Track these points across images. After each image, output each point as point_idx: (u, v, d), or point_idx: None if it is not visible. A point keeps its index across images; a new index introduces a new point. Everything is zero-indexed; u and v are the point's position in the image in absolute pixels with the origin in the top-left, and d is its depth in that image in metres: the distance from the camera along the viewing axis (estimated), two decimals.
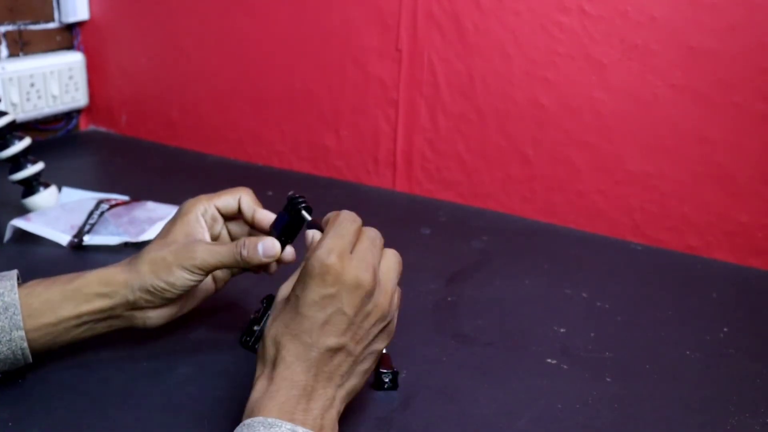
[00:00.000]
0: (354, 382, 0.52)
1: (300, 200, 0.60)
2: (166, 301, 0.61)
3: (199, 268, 0.59)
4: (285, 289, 0.54)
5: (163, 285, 0.59)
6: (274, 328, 0.51)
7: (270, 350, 0.51)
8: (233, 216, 0.65)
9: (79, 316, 0.59)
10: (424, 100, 1.07)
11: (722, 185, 0.91)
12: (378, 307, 0.51)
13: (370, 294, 0.50)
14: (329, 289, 0.49)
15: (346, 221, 0.53)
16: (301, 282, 0.50)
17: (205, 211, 0.63)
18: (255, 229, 0.65)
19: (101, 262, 0.84)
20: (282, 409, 0.47)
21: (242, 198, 0.64)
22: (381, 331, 0.52)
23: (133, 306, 0.61)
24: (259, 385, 0.50)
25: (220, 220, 0.65)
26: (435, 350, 0.69)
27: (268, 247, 0.59)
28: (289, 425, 0.45)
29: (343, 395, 0.51)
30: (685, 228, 0.95)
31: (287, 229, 0.61)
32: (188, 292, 0.62)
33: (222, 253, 0.59)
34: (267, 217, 0.63)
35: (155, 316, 0.62)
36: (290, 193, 0.61)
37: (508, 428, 0.58)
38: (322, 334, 0.49)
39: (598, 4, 0.93)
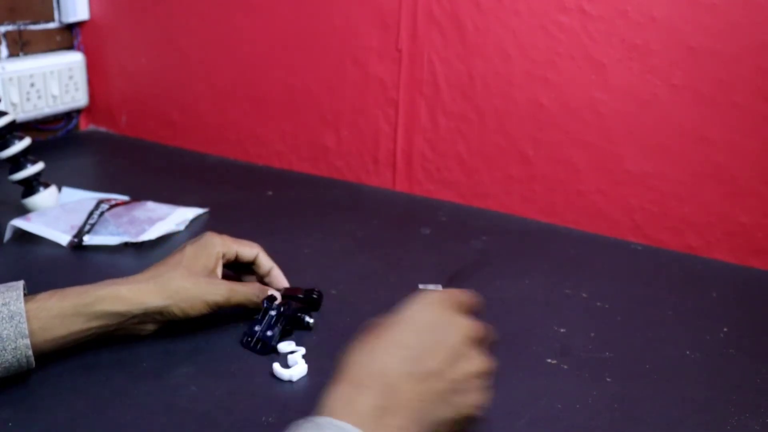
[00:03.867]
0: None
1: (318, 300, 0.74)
2: (169, 321, 0.66)
3: (219, 305, 0.66)
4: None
5: (178, 313, 0.65)
6: None
7: None
8: (238, 262, 0.72)
9: (88, 330, 0.62)
10: (424, 100, 1.07)
11: (722, 185, 0.91)
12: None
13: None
14: None
15: None
16: None
17: (227, 252, 0.70)
18: (263, 281, 0.73)
19: (101, 262, 0.84)
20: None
21: (260, 254, 0.72)
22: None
23: (140, 321, 0.64)
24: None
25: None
26: None
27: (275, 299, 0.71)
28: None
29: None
30: (685, 228, 0.95)
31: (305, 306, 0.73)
32: None
33: (241, 294, 0.68)
34: (279, 276, 0.74)
35: (152, 328, 0.67)
36: (317, 290, 0.74)
37: (508, 428, 0.58)
38: None
39: (598, 4, 0.93)
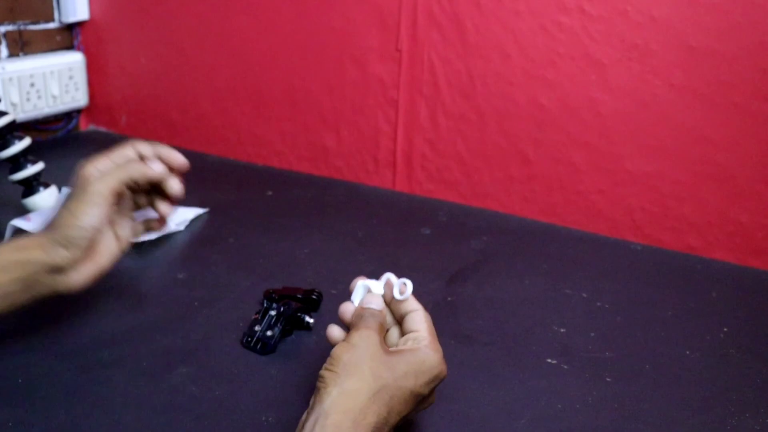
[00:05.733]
0: None
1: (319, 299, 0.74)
2: (80, 252, 0.61)
3: (101, 195, 0.60)
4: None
5: (71, 232, 0.60)
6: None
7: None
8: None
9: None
10: (424, 100, 1.07)
11: (722, 185, 0.91)
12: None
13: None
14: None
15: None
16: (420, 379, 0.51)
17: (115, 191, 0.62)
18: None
19: None
20: None
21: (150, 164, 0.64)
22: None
23: (52, 268, 0.60)
24: None
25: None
26: None
27: (157, 167, 0.64)
28: None
29: None
30: (685, 228, 0.95)
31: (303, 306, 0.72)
32: (95, 243, 0.63)
33: (117, 170, 0.62)
34: (174, 156, 0.66)
35: (77, 277, 0.62)
36: (317, 291, 0.73)
37: (508, 428, 0.58)
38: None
39: (598, 4, 0.93)
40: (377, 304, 0.55)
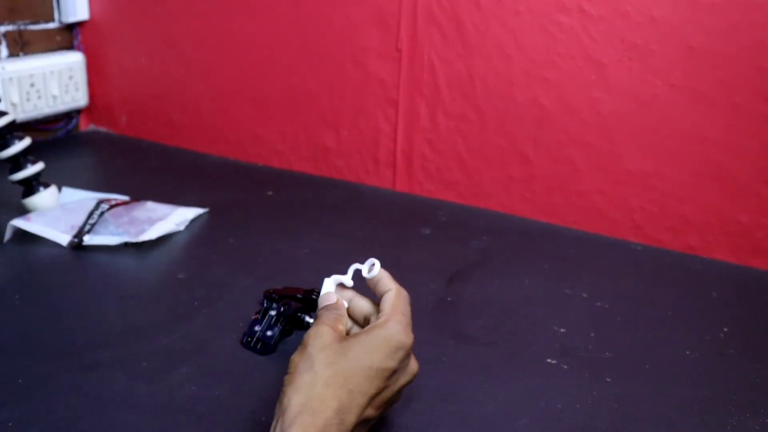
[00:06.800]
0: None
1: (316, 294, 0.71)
2: None
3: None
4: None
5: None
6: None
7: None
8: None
9: None
10: (424, 100, 1.07)
11: (722, 185, 0.91)
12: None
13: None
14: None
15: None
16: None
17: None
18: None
19: (101, 262, 0.84)
20: None
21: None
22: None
23: None
24: None
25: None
26: (435, 350, 0.69)
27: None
28: None
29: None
30: (685, 228, 0.95)
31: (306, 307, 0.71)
32: None
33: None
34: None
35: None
36: (317, 291, 0.70)
37: (508, 428, 0.58)
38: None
39: (598, 4, 0.93)
40: (330, 298, 0.57)
